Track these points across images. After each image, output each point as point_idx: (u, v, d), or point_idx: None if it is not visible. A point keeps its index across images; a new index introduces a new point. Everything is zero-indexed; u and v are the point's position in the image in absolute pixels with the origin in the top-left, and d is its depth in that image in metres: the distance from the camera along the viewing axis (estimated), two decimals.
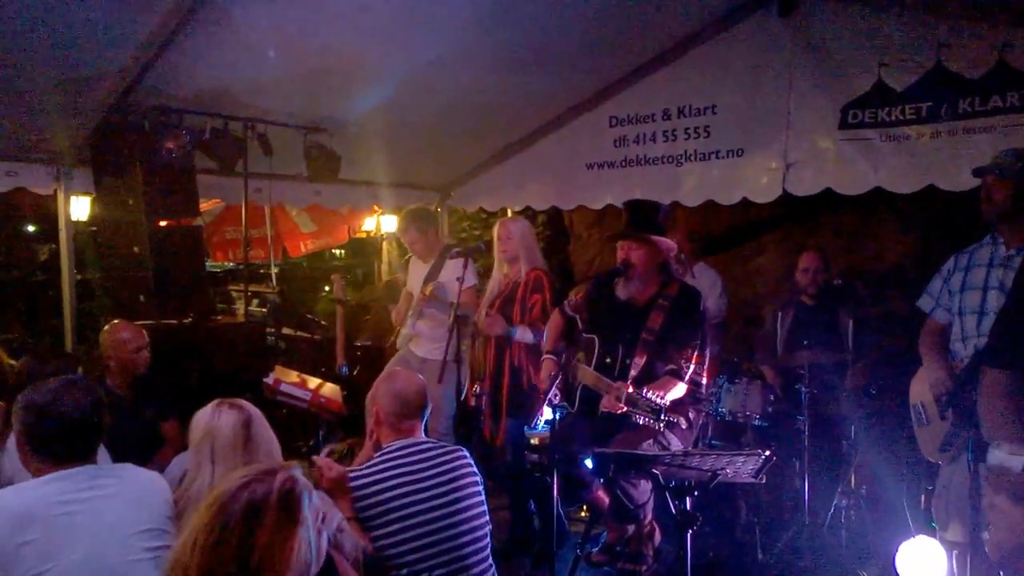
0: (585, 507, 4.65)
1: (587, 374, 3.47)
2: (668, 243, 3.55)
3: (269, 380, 4.31)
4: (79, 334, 4.87)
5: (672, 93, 5.14)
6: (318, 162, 5.14)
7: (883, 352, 4.68)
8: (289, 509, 1.54)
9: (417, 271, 5.08)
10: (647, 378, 3.34)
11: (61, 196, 4.89)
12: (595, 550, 3.80)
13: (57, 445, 2.12)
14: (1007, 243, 3.04)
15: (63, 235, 4.95)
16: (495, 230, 4.57)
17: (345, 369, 5.63)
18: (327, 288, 8.85)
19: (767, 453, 2.62)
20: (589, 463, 3.52)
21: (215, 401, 2.43)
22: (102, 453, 2.39)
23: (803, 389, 4.22)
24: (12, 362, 4.25)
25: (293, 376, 4.45)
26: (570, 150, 5.80)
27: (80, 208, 5.11)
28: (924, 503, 3.85)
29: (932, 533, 3.31)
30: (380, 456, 2.61)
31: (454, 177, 6.79)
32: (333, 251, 10.83)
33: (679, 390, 3.34)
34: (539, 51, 4.65)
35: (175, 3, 3.49)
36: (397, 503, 2.48)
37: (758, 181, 4.83)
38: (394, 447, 2.63)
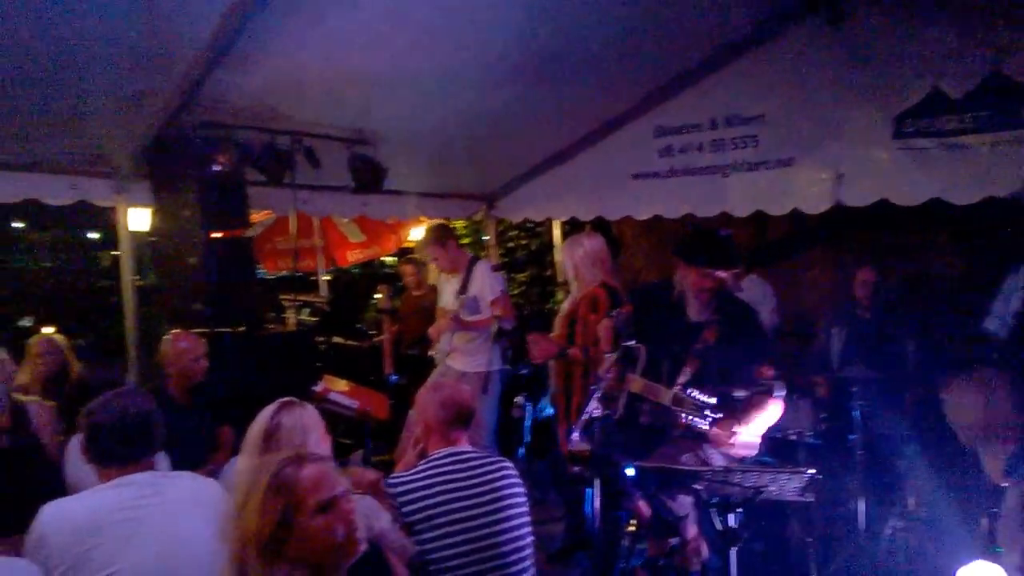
0: (633, 520, 4.62)
1: (635, 381, 3.44)
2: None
3: (318, 388, 4.38)
4: (141, 341, 5.03)
5: (719, 102, 5.08)
6: (363, 173, 5.22)
7: (942, 368, 4.52)
8: (318, 491, 1.68)
9: (447, 286, 5.14)
10: (695, 383, 3.31)
11: (121, 208, 5.07)
12: (638, 564, 3.76)
13: (115, 450, 2.25)
14: None
15: (124, 245, 5.13)
16: (564, 249, 4.61)
17: (394, 378, 5.69)
18: (376, 297, 8.97)
19: (812, 471, 2.56)
20: (630, 473, 3.48)
21: (278, 401, 2.49)
22: (162, 459, 2.46)
23: (856, 405, 4.11)
24: (79, 364, 4.44)
25: (342, 384, 4.52)
26: (615, 160, 5.78)
27: (139, 220, 5.29)
28: (986, 526, 3.70)
29: (994, 557, 3.17)
30: (425, 464, 2.66)
31: (499, 187, 6.82)
32: (382, 259, 10.97)
33: (775, 411, 3.26)
34: (583, 61, 4.65)
35: (222, 23, 3.60)
36: (440, 510, 2.52)
37: (808, 191, 4.74)
38: (439, 455, 2.67)
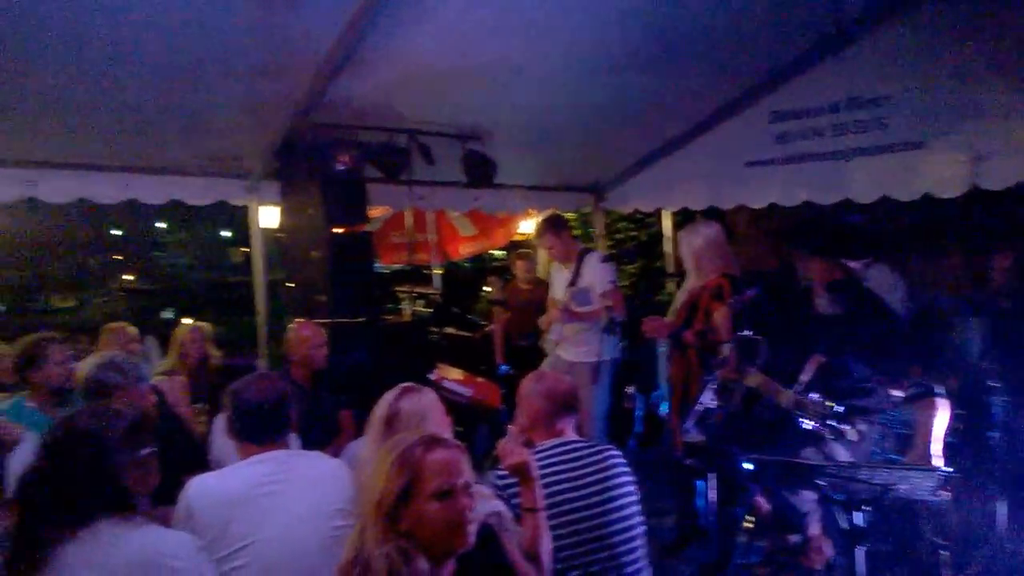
0: (751, 515, 4.51)
1: (754, 376, 3.35)
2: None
3: (433, 376, 4.51)
4: (270, 331, 5.35)
5: (840, 84, 4.85)
6: (475, 168, 5.34)
7: None
8: (440, 477, 1.75)
9: (559, 277, 5.16)
10: (818, 384, 3.18)
11: (253, 207, 5.40)
12: (756, 561, 3.67)
13: (254, 428, 2.43)
14: None
15: (255, 242, 5.49)
16: (680, 238, 4.56)
17: (505, 368, 5.78)
18: (487, 289, 9.11)
19: (947, 469, 2.42)
20: (748, 466, 3.40)
21: (399, 386, 2.59)
22: (294, 440, 2.62)
23: (996, 400, 3.84)
24: (217, 353, 4.78)
25: (455, 373, 4.64)
26: (728, 148, 5.63)
27: (269, 217, 5.62)
28: None
29: None
30: (531, 454, 2.67)
31: (608, 179, 6.79)
32: (492, 252, 11.13)
33: (944, 411, 3.11)
34: (695, 47, 4.56)
35: (344, 30, 3.77)
36: (548, 501, 2.51)
37: (941, 175, 4.46)
38: (545, 446, 2.68)
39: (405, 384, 2.57)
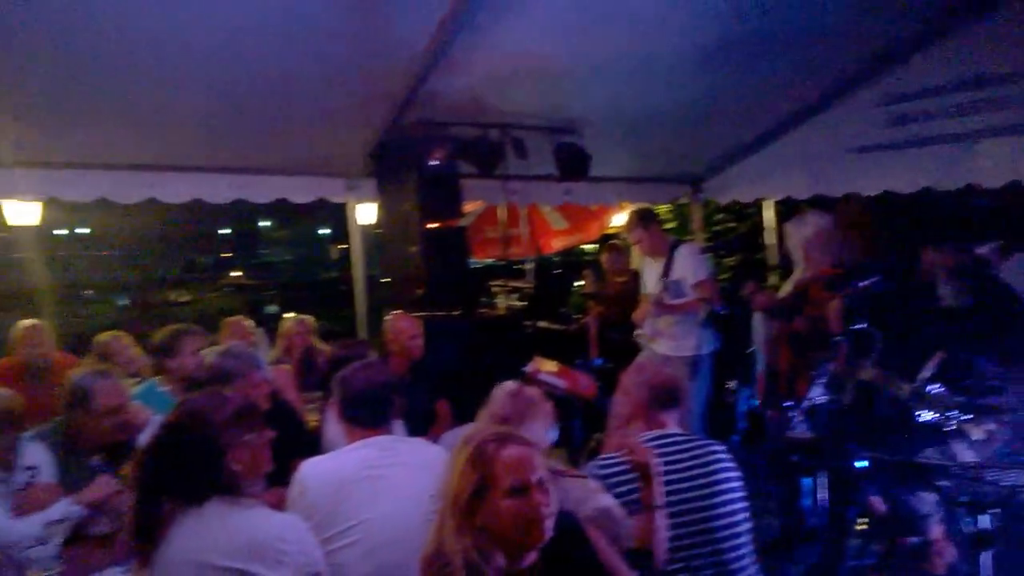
0: (863, 514, 4.31)
1: (867, 370, 3.18)
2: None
3: (528, 369, 4.51)
4: (369, 324, 5.50)
5: (963, 62, 4.54)
6: (568, 161, 5.31)
7: None
8: (512, 474, 1.75)
9: (650, 270, 5.06)
10: (941, 381, 2.99)
11: (351, 204, 5.56)
12: (870, 563, 3.49)
13: (361, 414, 2.53)
14: None
15: (354, 238, 5.65)
16: (786, 229, 4.41)
17: (599, 361, 5.73)
18: (580, 283, 9.06)
19: None
20: (862, 465, 3.23)
21: (505, 384, 2.62)
22: (399, 427, 2.69)
23: None
24: (324, 347, 4.96)
25: (551, 365, 4.62)
26: (837, 133, 5.39)
27: (367, 214, 5.77)
28: None
29: None
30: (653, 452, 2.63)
31: (705, 169, 6.62)
32: (583, 247, 11.06)
33: None
34: (801, 30, 4.36)
35: (438, 29, 3.83)
36: None
37: None
38: (646, 437, 2.63)
39: (512, 381, 2.57)
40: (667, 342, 4.87)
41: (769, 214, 6.83)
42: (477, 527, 1.72)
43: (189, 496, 1.91)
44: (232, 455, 1.95)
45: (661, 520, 2.30)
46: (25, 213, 5.74)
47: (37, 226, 6.04)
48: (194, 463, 1.93)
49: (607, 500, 2.34)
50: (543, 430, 2.51)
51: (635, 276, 6.02)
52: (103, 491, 2.59)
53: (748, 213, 8.76)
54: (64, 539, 2.44)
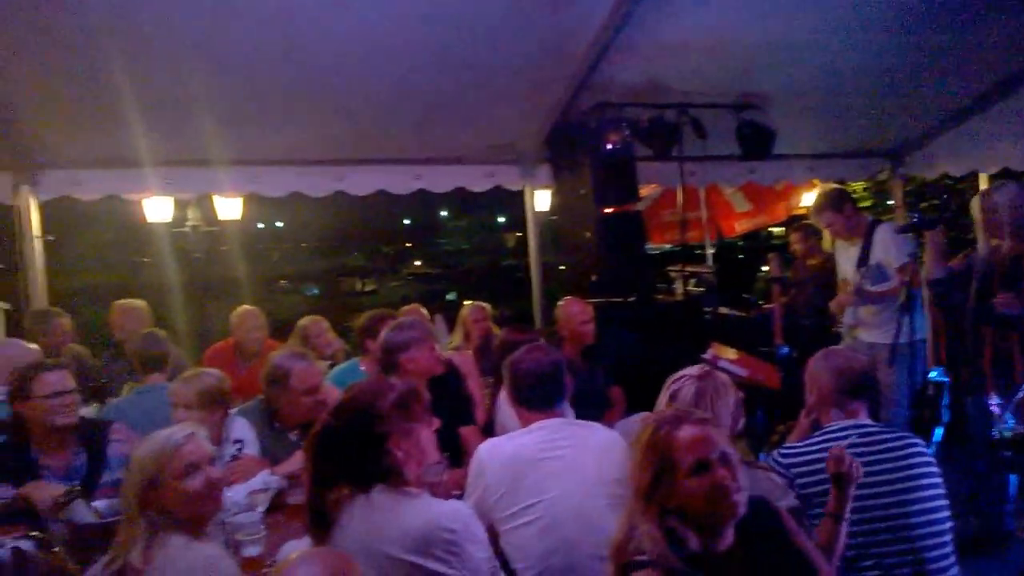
0: None
1: None
2: None
3: (707, 356, 4.36)
4: (544, 311, 5.57)
5: None
6: (750, 139, 5.07)
7: None
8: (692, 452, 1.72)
9: (846, 254, 4.67)
10: None
11: (528, 191, 5.64)
12: None
13: (533, 396, 2.56)
14: None
15: (530, 225, 5.73)
16: (974, 203, 3.93)
17: (785, 349, 5.43)
18: (765, 268, 8.64)
19: None
20: None
21: (687, 368, 2.54)
22: (569, 410, 2.69)
23: None
24: (498, 331, 5.10)
25: (730, 353, 4.44)
26: None
27: (542, 200, 5.83)
28: None
29: None
30: (819, 435, 2.50)
31: (907, 141, 6.04)
32: (769, 229, 10.56)
33: None
34: None
35: (612, 11, 3.76)
36: None
37: None
38: (835, 427, 2.50)
39: (693, 366, 2.49)
40: (870, 331, 4.51)
41: (984, 188, 6.10)
42: (666, 511, 1.70)
43: (355, 482, 1.96)
44: (394, 443, 1.97)
45: (844, 531, 2.19)
46: (230, 208, 6.45)
47: (239, 220, 6.77)
48: (357, 450, 1.97)
49: (792, 500, 2.25)
50: (730, 415, 2.41)
51: (828, 259, 5.63)
52: (299, 465, 2.76)
53: (959, 188, 7.92)
54: (267, 507, 2.64)
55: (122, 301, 4.92)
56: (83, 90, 4.02)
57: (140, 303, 4.93)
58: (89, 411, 3.60)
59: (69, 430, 2.83)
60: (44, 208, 4.75)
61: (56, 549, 1.48)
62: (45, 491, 2.54)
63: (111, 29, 3.56)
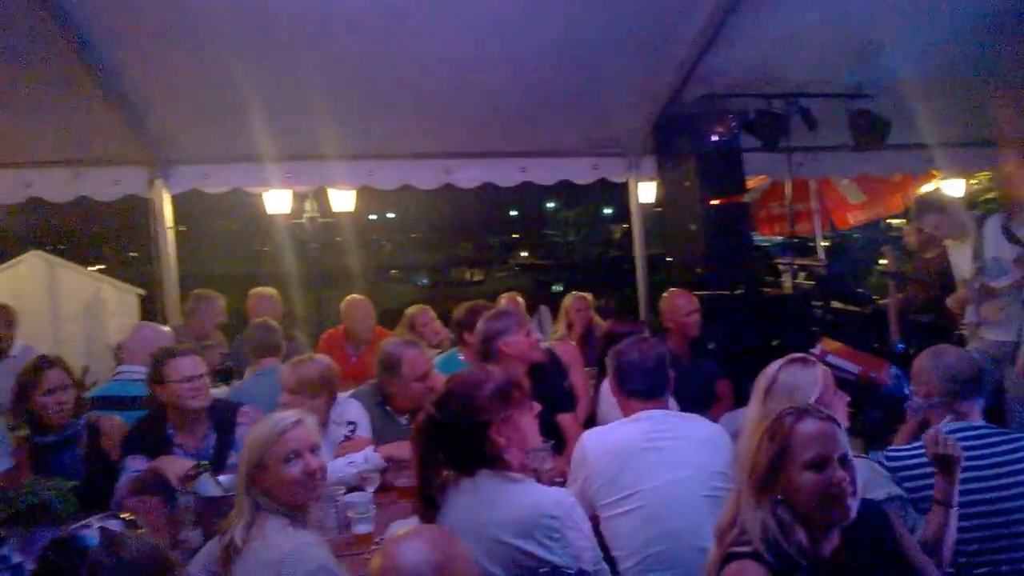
0: None
1: None
2: None
3: (815, 351, 4.26)
4: (650, 303, 5.57)
5: None
6: (864, 130, 4.90)
7: None
8: (810, 448, 1.72)
9: (959, 253, 4.42)
10: None
11: (632, 183, 5.65)
12: None
13: (636, 386, 2.60)
14: None
15: (634, 217, 5.74)
16: None
17: (901, 347, 5.22)
18: (880, 261, 8.28)
19: None
20: None
21: (787, 356, 2.51)
22: (672, 402, 2.73)
23: None
24: (601, 321, 5.16)
25: (840, 348, 4.32)
26: None
27: (647, 192, 5.82)
28: None
29: None
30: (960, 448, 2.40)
31: None
32: (888, 221, 10.06)
33: None
34: None
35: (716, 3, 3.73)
36: None
37: None
38: (943, 429, 2.37)
39: (792, 355, 2.47)
40: (995, 329, 4.28)
41: None
42: (776, 500, 1.72)
43: (460, 467, 2.06)
44: (495, 429, 2.03)
45: (954, 519, 2.11)
46: (344, 200, 6.77)
47: (352, 212, 7.09)
48: (459, 439, 2.04)
49: (895, 488, 2.21)
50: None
51: (945, 253, 5.35)
52: (400, 450, 2.86)
53: None
54: (376, 488, 2.78)
55: (257, 289, 5.29)
56: (210, 91, 4.33)
57: (272, 291, 5.28)
58: (220, 392, 3.85)
59: (202, 412, 2.96)
60: (175, 201, 5.06)
61: (141, 529, 1.54)
62: (176, 464, 2.66)
63: (235, 34, 3.85)
